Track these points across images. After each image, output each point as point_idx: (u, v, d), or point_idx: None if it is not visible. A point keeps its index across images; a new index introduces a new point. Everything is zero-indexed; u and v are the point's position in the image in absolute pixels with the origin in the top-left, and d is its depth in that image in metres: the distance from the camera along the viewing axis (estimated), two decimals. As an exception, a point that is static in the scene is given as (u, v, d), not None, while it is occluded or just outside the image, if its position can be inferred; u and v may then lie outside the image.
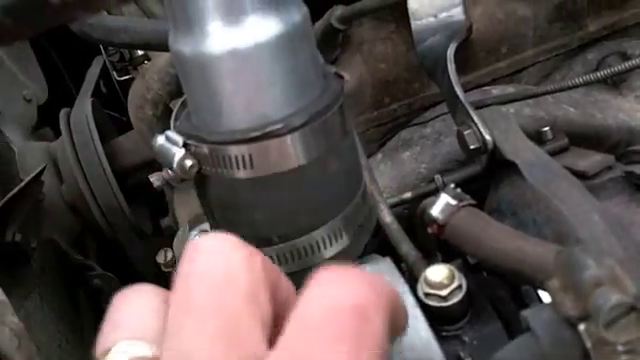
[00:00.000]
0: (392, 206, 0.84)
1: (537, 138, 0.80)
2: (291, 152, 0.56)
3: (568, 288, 0.42)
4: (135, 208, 1.25)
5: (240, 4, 0.53)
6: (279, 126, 0.55)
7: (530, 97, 0.86)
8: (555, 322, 0.42)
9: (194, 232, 0.67)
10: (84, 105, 1.16)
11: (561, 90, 0.84)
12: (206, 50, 0.54)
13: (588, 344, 0.41)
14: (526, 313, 0.43)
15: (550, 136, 0.80)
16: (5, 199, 0.88)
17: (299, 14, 0.56)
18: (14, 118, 1.21)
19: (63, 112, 1.18)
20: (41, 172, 1.01)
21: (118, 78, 1.48)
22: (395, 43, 0.95)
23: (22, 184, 0.92)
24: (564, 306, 0.41)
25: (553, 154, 0.77)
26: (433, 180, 0.84)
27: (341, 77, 0.62)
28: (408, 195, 0.83)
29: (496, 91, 0.94)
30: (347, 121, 0.62)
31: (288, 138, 0.55)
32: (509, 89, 0.94)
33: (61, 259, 1.28)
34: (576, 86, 0.83)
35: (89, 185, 1.12)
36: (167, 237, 1.15)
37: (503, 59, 0.99)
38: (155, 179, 0.72)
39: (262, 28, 0.53)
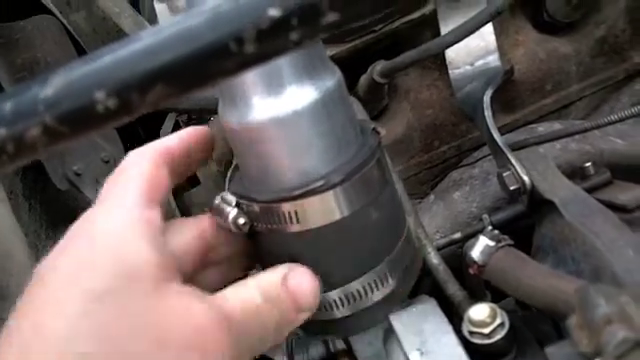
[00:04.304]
0: (443, 246, 0.88)
1: (580, 173, 0.82)
2: (333, 206, 0.61)
3: (584, 325, 0.45)
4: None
5: (278, 78, 0.58)
6: (320, 184, 0.60)
7: (575, 133, 0.88)
8: (574, 358, 0.45)
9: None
10: (157, 163, 1.24)
11: (606, 125, 0.85)
12: (250, 120, 0.59)
13: (604, 379, 0.43)
14: (550, 350, 0.46)
15: (592, 171, 0.81)
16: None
17: (333, 80, 0.61)
18: (94, 179, 1.30)
19: (138, 171, 1.27)
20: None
21: (189, 133, 1.57)
22: (440, 89, 0.99)
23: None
24: (580, 343, 0.44)
25: (595, 189, 0.79)
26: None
27: (377, 132, 0.67)
28: (457, 235, 0.86)
29: (542, 128, 0.96)
30: (386, 172, 0.66)
31: (329, 194, 0.60)
32: (555, 125, 0.97)
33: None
34: (621, 120, 0.84)
35: (164, 238, 1.20)
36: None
37: (548, 96, 1.02)
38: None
39: (299, 97, 0.59)
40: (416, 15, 0.93)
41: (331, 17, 0.32)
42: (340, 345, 0.82)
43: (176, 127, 1.60)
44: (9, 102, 0.35)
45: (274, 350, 0.92)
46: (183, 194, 1.27)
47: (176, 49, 0.33)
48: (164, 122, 1.56)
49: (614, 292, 0.45)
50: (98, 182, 1.31)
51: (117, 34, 1.28)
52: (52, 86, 0.35)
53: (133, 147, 1.52)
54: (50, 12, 1.34)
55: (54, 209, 1.34)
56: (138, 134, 1.70)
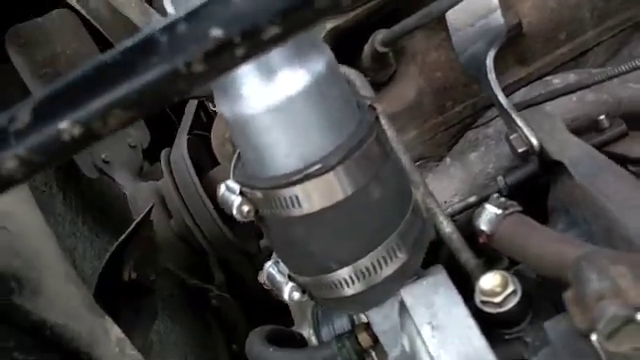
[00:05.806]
0: (460, 211, 0.87)
1: (594, 127, 0.80)
2: (333, 187, 0.61)
3: (578, 300, 0.44)
4: (241, 230, 1.35)
5: (268, 64, 0.58)
6: (317, 167, 0.60)
7: (588, 86, 0.85)
8: (571, 333, 0.44)
9: (269, 262, 0.73)
10: (181, 145, 1.27)
11: (620, 74, 0.82)
12: (243, 111, 0.59)
13: (602, 355, 0.43)
14: (547, 324, 0.46)
15: (607, 124, 0.79)
16: (115, 245, 0.98)
17: (323, 60, 0.60)
18: (122, 165, 1.34)
19: (163, 153, 1.30)
20: (148, 213, 1.12)
21: (214, 109, 1.58)
22: (448, 50, 0.96)
23: (130, 228, 1.02)
24: (575, 318, 0.44)
25: (610, 142, 0.77)
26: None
27: (374, 108, 0.66)
28: (473, 199, 0.85)
29: (557, 80, 0.94)
30: (387, 146, 0.66)
31: (329, 175, 0.60)
32: (571, 76, 0.94)
33: (183, 284, 1.41)
34: (636, 68, 0.81)
35: (193, 217, 1.23)
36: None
37: (563, 45, 0.98)
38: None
39: (290, 82, 0.58)
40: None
41: (272, 31, 0.32)
42: (363, 317, 0.83)
43: (201, 105, 1.62)
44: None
45: (301, 323, 0.94)
46: (208, 173, 1.29)
47: (130, 76, 0.34)
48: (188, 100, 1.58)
49: (609, 263, 0.44)
50: (126, 167, 1.34)
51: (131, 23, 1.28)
52: (21, 120, 0.36)
53: (163, 125, 1.54)
54: (67, 5, 1.35)
55: (88, 197, 1.38)
56: (165, 113, 1.72)
